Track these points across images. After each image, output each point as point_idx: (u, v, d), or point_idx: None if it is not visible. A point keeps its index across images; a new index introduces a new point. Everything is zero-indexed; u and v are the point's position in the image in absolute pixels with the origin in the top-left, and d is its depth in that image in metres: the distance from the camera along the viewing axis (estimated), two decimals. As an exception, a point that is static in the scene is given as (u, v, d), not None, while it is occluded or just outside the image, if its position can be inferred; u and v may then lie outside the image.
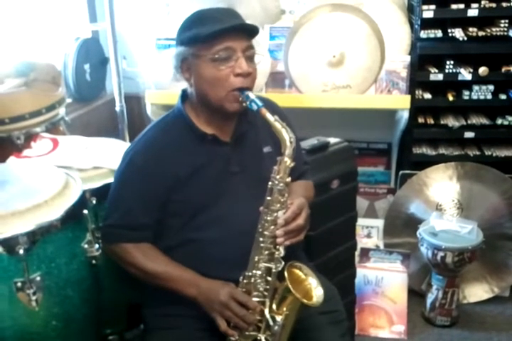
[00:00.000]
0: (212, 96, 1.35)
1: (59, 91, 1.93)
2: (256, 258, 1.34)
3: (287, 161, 1.32)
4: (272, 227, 1.32)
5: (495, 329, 2.37)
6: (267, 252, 1.33)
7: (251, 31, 1.35)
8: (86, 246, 1.45)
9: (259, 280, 1.34)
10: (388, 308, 2.39)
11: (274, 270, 1.33)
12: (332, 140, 1.91)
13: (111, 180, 1.63)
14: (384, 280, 2.42)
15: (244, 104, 1.34)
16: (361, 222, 2.66)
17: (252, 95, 1.33)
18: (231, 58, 1.32)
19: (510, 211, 2.50)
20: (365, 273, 2.40)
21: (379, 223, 2.67)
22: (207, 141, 1.41)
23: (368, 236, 2.66)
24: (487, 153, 2.58)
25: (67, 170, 1.56)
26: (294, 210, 1.34)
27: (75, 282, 1.41)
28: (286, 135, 1.31)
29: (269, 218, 1.32)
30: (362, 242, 2.60)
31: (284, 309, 1.32)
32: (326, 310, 1.45)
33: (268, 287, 1.34)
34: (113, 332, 1.72)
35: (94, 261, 1.47)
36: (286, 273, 1.30)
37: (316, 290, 1.33)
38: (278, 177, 1.32)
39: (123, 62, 2.65)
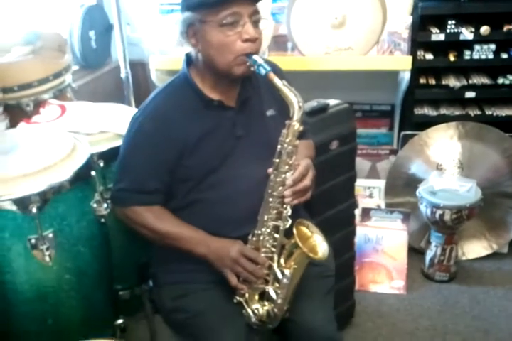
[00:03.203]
0: (220, 61, 1.35)
1: (65, 59, 1.97)
2: (265, 218, 1.39)
3: (295, 125, 1.34)
4: (281, 188, 1.37)
5: (492, 284, 2.46)
6: (275, 211, 1.39)
7: None
8: (95, 205, 1.52)
9: (267, 238, 1.40)
10: (388, 265, 2.48)
11: (281, 228, 1.39)
12: (332, 102, 1.93)
13: (117, 143, 1.69)
14: (384, 239, 2.50)
15: (252, 69, 1.35)
16: (363, 182, 2.72)
17: (259, 59, 1.34)
18: (238, 23, 1.32)
19: (510, 169, 2.55)
20: (365, 231, 2.48)
21: (381, 183, 2.73)
22: (213, 106, 1.43)
23: (370, 196, 2.73)
24: (488, 112, 2.60)
25: (75, 135, 1.62)
26: (302, 171, 1.39)
27: (86, 239, 1.50)
28: (295, 99, 1.33)
29: (277, 179, 1.37)
30: (364, 202, 2.67)
31: (292, 263, 1.39)
32: (316, 263, 1.50)
33: (275, 243, 1.40)
34: (123, 287, 1.80)
35: (103, 220, 1.55)
36: (294, 230, 1.38)
37: (321, 246, 1.41)
38: (287, 140, 1.35)
39: (127, 28, 2.67)
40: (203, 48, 1.37)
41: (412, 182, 2.60)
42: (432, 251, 2.47)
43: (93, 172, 1.51)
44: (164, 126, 1.41)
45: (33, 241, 1.37)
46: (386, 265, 2.48)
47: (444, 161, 2.60)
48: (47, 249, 1.38)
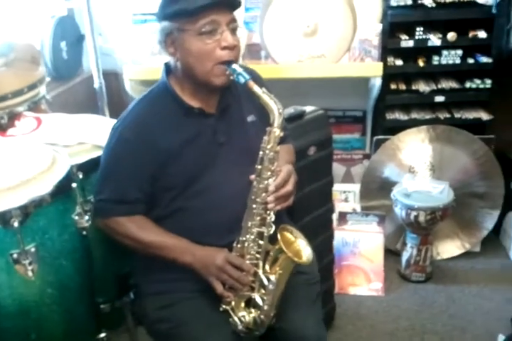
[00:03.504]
0: (199, 69, 1.36)
1: (39, 70, 1.95)
2: (249, 224, 1.40)
3: (276, 131, 1.36)
4: (264, 194, 1.38)
5: (466, 283, 2.52)
6: (258, 218, 1.40)
7: (234, 4, 1.38)
8: (76, 217, 1.50)
9: (252, 244, 1.41)
10: (366, 267, 2.53)
11: (265, 234, 1.40)
12: (308, 108, 1.97)
13: (96, 154, 1.68)
14: (361, 242, 2.54)
15: (231, 78, 1.36)
16: (338, 187, 2.76)
17: (238, 68, 1.36)
18: (216, 31, 1.33)
19: (479, 170, 2.63)
20: (343, 235, 2.52)
21: (355, 188, 2.77)
22: (193, 113, 1.44)
23: (346, 200, 2.77)
24: (457, 115, 2.67)
25: (53, 147, 1.61)
26: (284, 177, 1.40)
27: (68, 252, 1.47)
28: (275, 106, 1.35)
29: (260, 186, 1.38)
30: (339, 206, 2.71)
31: (277, 269, 1.41)
32: (302, 271, 1.53)
33: (260, 250, 1.41)
34: (104, 300, 1.77)
35: (84, 232, 1.53)
36: (279, 236, 1.39)
37: (305, 250, 1.43)
38: (269, 146, 1.37)
39: (99, 38, 2.65)
40: (182, 57, 1.38)
41: (386, 186, 2.65)
42: (408, 252, 2.53)
43: (74, 185, 1.50)
44: (145, 134, 1.41)
45: (15, 255, 1.34)
46: (364, 267, 2.53)
47: (416, 164, 2.66)
48: (29, 263, 1.36)
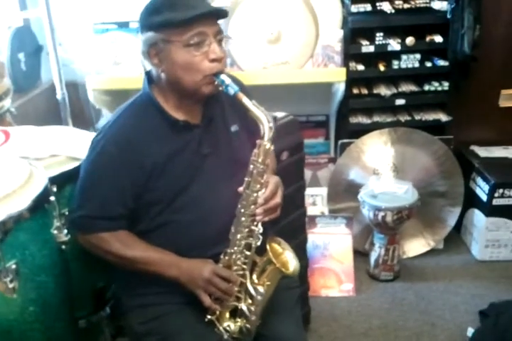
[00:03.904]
0: (188, 80, 1.34)
1: (3, 83, 1.90)
2: (238, 236, 1.39)
3: (267, 144, 1.35)
4: (253, 207, 1.38)
5: (433, 279, 2.61)
6: (247, 230, 1.39)
7: (221, 15, 1.36)
8: (55, 232, 1.47)
9: (239, 256, 1.41)
10: (337, 269, 2.57)
11: (253, 245, 1.40)
12: (278, 114, 2.00)
13: (69, 166, 1.65)
14: (331, 244, 2.59)
15: (220, 88, 1.35)
16: (306, 191, 2.79)
17: (227, 79, 1.34)
18: (204, 43, 1.32)
19: (440, 170, 2.72)
20: (313, 238, 2.55)
21: (322, 191, 2.81)
22: (179, 126, 1.41)
23: (313, 204, 2.80)
24: (417, 117, 2.75)
25: (28, 160, 1.57)
26: (272, 189, 1.41)
27: (48, 267, 1.44)
28: (265, 119, 1.34)
29: (250, 198, 1.37)
30: (308, 210, 2.73)
31: (265, 280, 1.42)
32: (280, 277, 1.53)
33: (247, 261, 1.41)
34: (80, 315, 1.75)
35: (63, 246, 1.51)
36: (268, 247, 1.40)
37: (291, 262, 1.45)
38: (259, 160, 1.35)
39: (58, 48, 2.60)
40: (168, 68, 1.35)
41: (352, 188, 2.71)
42: (376, 252, 2.59)
43: (52, 198, 1.47)
44: (129, 149, 1.37)
45: (-5, 273, 1.31)
46: (335, 269, 2.57)
47: (380, 166, 2.73)
48: (10, 281, 1.32)
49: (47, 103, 2.72)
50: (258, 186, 1.38)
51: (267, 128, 1.34)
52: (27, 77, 2.70)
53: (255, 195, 1.38)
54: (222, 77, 1.35)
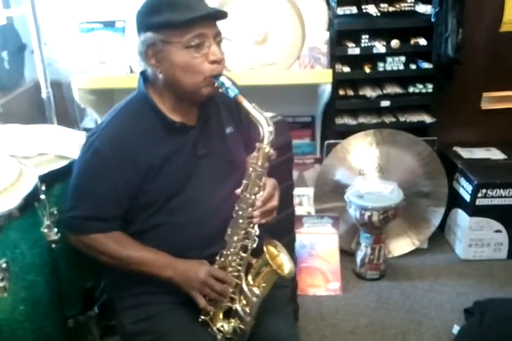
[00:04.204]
0: (188, 81, 1.33)
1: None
2: (235, 238, 1.40)
3: (266, 148, 1.35)
4: (250, 209, 1.38)
5: (418, 278, 2.63)
6: (243, 232, 1.40)
7: (221, 17, 1.36)
8: (45, 230, 1.47)
9: (234, 257, 1.41)
10: (323, 268, 2.59)
11: (249, 247, 1.41)
12: (267, 114, 2.00)
13: (57, 165, 1.65)
14: (318, 243, 2.61)
15: (220, 90, 1.34)
16: (293, 191, 2.81)
17: (227, 82, 1.33)
18: (204, 45, 1.31)
19: (424, 171, 2.76)
20: (300, 238, 2.56)
21: (309, 191, 2.83)
22: (175, 128, 1.40)
23: (300, 204, 2.82)
24: (401, 119, 2.78)
25: (18, 159, 1.56)
26: (270, 192, 1.41)
27: (38, 266, 1.44)
28: (265, 123, 1.34)
29: (248, 201, 1.37)
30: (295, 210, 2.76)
31: (261, 282, 1.42)
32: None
33: (242, 262, 1.42)
34: (69, 315, 1.75)
35: (53, 245, 1.51)
36: (265, 249, 1.41)
37: (286, 264, 1.45)
38: (259, 163, 1.36)
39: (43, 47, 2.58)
40: (166, 69, 1.34)
41: (338, 188, 2.73)
42: (362, 252, 2.61)
43: (42, 196, 1.46)
44: (124, 150, 1.36)
45: (-15, 272, 1.30)
46: (322, 268, 2.59)
47: (365, 166, 2.76)
48: (1, 279, 1.32)
49: (31, 102, 2.69)
50: (256, 189, 1.38)
51: (266, 131, 1.34)
52: (11, 76, 2.67)
53: (253, 197, 1.38)
54: (222, 79, 1.34)
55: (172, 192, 1.40)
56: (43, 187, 1.56)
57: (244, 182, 1.38)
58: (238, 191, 1.38)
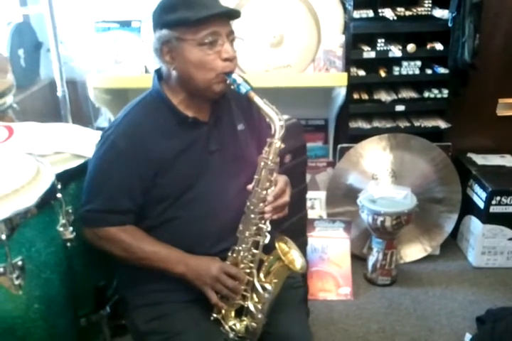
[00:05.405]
0: (200, 78, 1.36)
1: (7, 78, 1.89)
2: (246, 234, 1.41)
3: (277, 143, 1.37)
4: (261, 204, 1.39)
5: (430, 285, 2.61)
6: (255, 227, 1.41)
7: (235, 15, 1.39)
8: (61, 229, 1.46)
9: (246, 254, 1.42)
10: (334, 272, 2.57)
11: (261, 243, 1.41)
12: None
13: (73, 164, 1.64)
14: (329, 247, 2.59)
15: (232, 87, 1.37)
16: (306, 194, 2.80)
17: (238, 79, 1.37)
18: (217, 42, 1.34)
19: (438, 176, 2.74)
20: (311, 241, 2.55)
21: (321, 195, 2.82)
22: (188, 123, 1.43)
23: (312, 207, 2.81)
24: (416, 124, 2.77)
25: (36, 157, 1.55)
26: (281, 187, 1.42)
27: (54, 264, 1.43)
28: (277, 118, 1.36)
29: (259, 196, 1.39)
30: (306, 213, 2.75)
31: (272, 278, 1.42)
32: (288, 275, 1.53)
33: (254, 258, 1.42)
34: (82, 314, 1.74)
35: (69, 244, 1.50)
36: (277, 245, 1.41)
37: (298, 260, 1.46)
38: (270, 158, 1.37)
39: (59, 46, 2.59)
40: (180, 66, 1.37)
41: (350, 193, 2.72)
42: (374, 257, 2.59)
43: (59, 195, 1.46)
44: (139, 144, 1.39)
45: (1, 269, 1.28)
46: (333, 273, 2.57)
47: (379, 171, 2.75)
48: (17, 277, 1.31)
49: (46, 100, 2.71)
50: (268, 184, 1.39)
51: (278, 126, 1.36)
52: (26, 74, 2.69)
53: (264, 192, 1.39)
54: (234, 76, 1.37)
55: (184, 187, 1.42)
56: (59, 186, 1.56)
57: (256, 177, 1.39)
58: (250, 187, 1.40)
